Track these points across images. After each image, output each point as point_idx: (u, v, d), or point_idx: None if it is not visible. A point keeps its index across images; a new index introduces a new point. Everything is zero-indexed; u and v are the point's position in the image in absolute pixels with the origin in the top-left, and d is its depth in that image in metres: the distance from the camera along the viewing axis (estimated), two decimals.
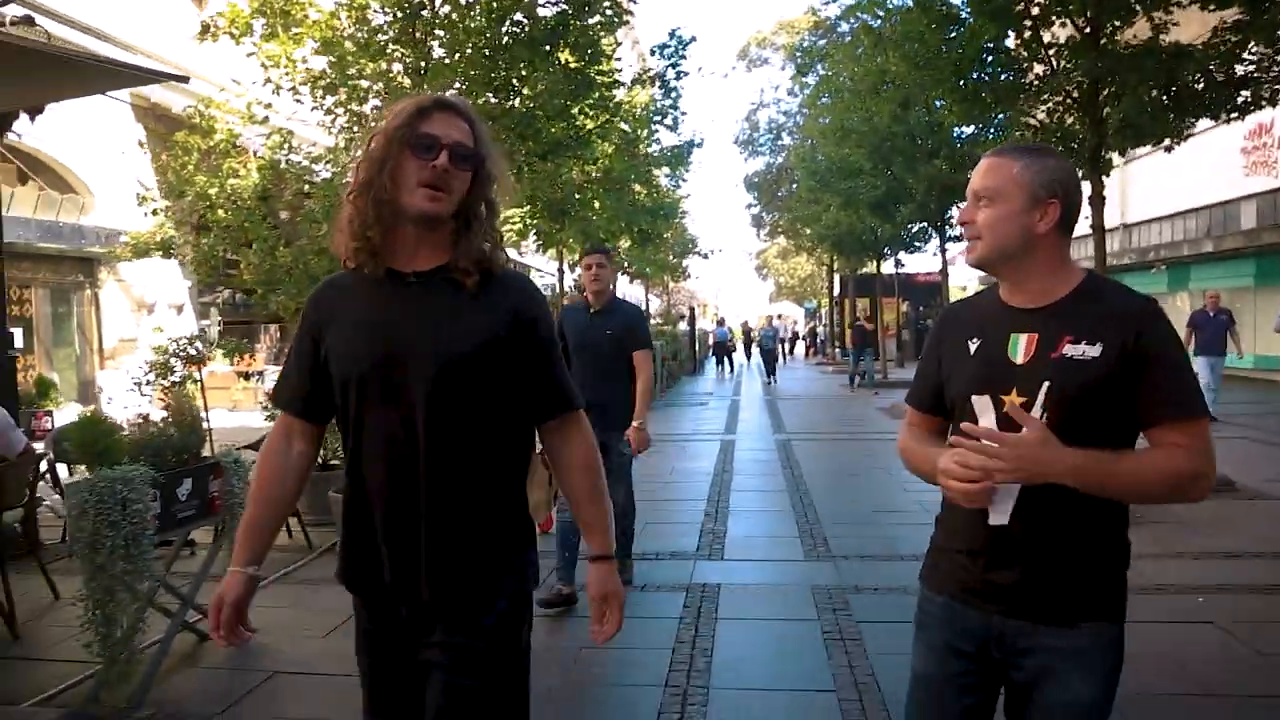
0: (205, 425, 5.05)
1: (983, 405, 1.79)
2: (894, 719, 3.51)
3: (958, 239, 21.11)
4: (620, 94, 10.70)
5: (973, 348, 1.86)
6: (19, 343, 15.37)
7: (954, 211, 17.34)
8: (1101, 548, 1.78)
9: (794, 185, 29.12)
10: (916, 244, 20.69)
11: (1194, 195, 22.99)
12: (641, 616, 4.74)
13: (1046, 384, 1.71)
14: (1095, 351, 1.71)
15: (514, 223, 13.96)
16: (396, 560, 1.81)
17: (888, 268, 24.83)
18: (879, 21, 12.07)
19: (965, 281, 31.11)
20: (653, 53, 10.66)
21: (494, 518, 1.85)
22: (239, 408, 17.84)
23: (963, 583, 1.84)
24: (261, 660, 4.32)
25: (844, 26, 23.22)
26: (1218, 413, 11.80)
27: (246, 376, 18.70)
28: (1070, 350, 1.73)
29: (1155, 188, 24.23)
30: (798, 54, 26.77)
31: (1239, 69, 8.38)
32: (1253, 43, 8.25)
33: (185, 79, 5.49)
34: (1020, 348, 1.78)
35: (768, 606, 5.08)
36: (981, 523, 1.78)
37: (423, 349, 1.78)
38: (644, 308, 32.54)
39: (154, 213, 8.38)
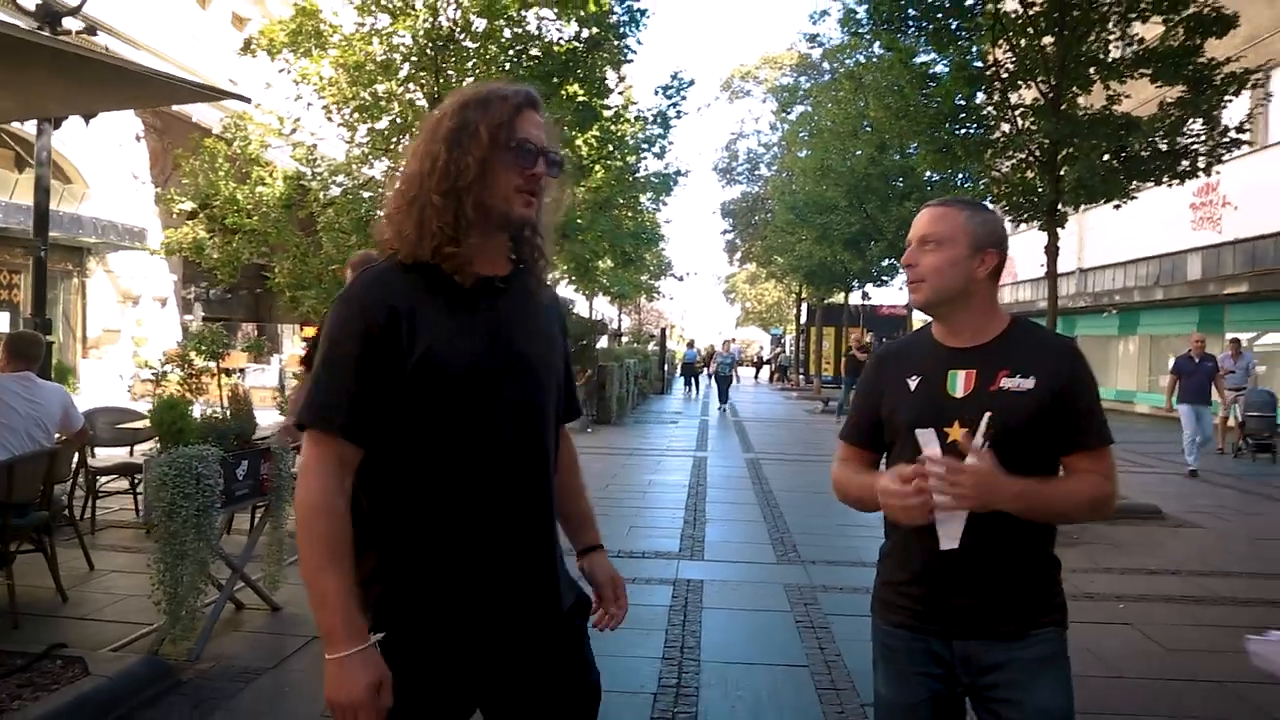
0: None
1: (926, 438, 1.87)
2: (858, 688, 4.15)
3: None
4: (623, 128, 11.36)
5: (913, 384, 1.96)
6: (4, 326, 15.64)
7: None
8: (1038, 561, 1.92)
9: (769, 214, 29.97)
10: (884, 278, 21.56)
11: (1146, 245, 24.11)
12: (635, 604, 5.31)
13: (988, 414, 1.83)
14: (1029, 384, 1.86)
15: None
16: (527, 584, 1.70)
17: (854, 298, 25.73)
18: (860, 59, 12.84)
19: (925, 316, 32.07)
20: (655, 93, 11.38)
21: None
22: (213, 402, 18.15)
23: (919, 613, 1.93)
24: (300, 627, 4.83)
25: (826, 65, 24.17)
26: (1198, 467, 11.63)
27: (228, 373, 18.96)
28: (1007, 383, 1.87)
29: (1111, 235, 25.32)
30: (782, 92, 27.67)
31: (1181, 140, 9.23)
32: (1193, 118, 9.12)
33: (247, 99, 6.05)
34: (959, 383, 1.91)
35: (746, 599, 5.70)
36: (932, 550, 1.86)
37: (541, 358, 1.73)
38: (617, 326, 33.15)
39: (179, 214, 8.86)
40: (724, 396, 23.02)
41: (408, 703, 1.56)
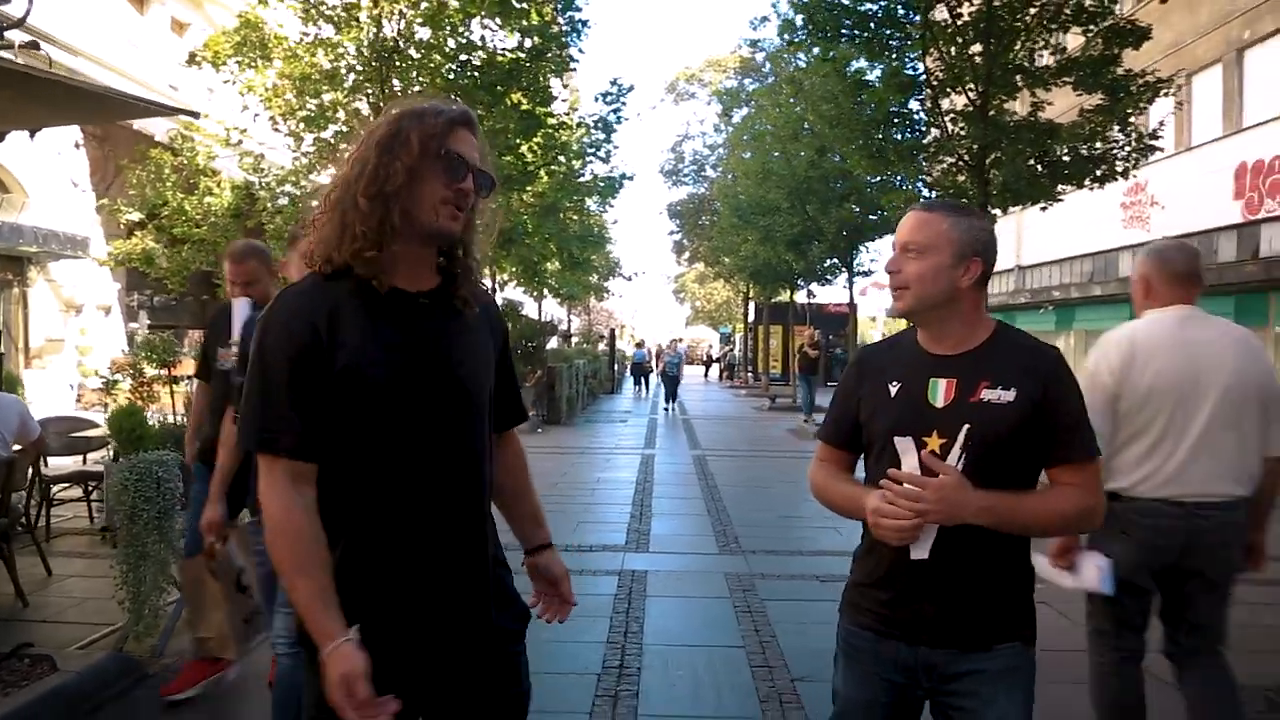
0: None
1: (905, 446, 1.87)
2: (789, 664, 4.46)
3: (865, 274, 22.62)
4: (565, 134, 11.63)
5: (893, 390, 1.94)
6: None
7: (862, 250, 18.74)
8: (1009, 575, 1.91)
9: (715, 215, 30.43)
10: (828, 278, 22.08)
11: (1082, 243, 24.96)
12: (581, 594, 5.57)
13: (966, 426, 1.82)
14: (1010, 396, 1.83)
15: None
16: (454, 595, 1.71)
17: (801, 297, 26.27)
18: (800, 63, 13.25)
19: (874, 312, 32.82)
20: (596, 99, 11.68)
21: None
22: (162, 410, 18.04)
23: (886, 618, 1.93)
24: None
25: (769, 66, 24.62)
26: None
27: (177, 381, 18.84)
28: (987, 395, 1.84)
29: (1048, 234, 26.13)
30: (725, 96, 28.11)
31: (1099, 146, 9.76)
32: (1110, 125, 9.65)
33: (196, 114, 6.19)
34: (940, 392, 1.88)
35: (688, 587, 6.01)
36: (902, 559, 1.85)
37: (467, 372, 1.74)
38: (566, 327, 33.35)
39: (125, 224, 8.92)
40: (671, 395, 22.30)
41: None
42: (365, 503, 1.64)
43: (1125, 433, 2.97)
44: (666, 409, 21.46)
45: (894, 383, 1.94)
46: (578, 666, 4.41)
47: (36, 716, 3.51)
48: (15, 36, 6.88)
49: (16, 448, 5.47)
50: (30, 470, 6.35)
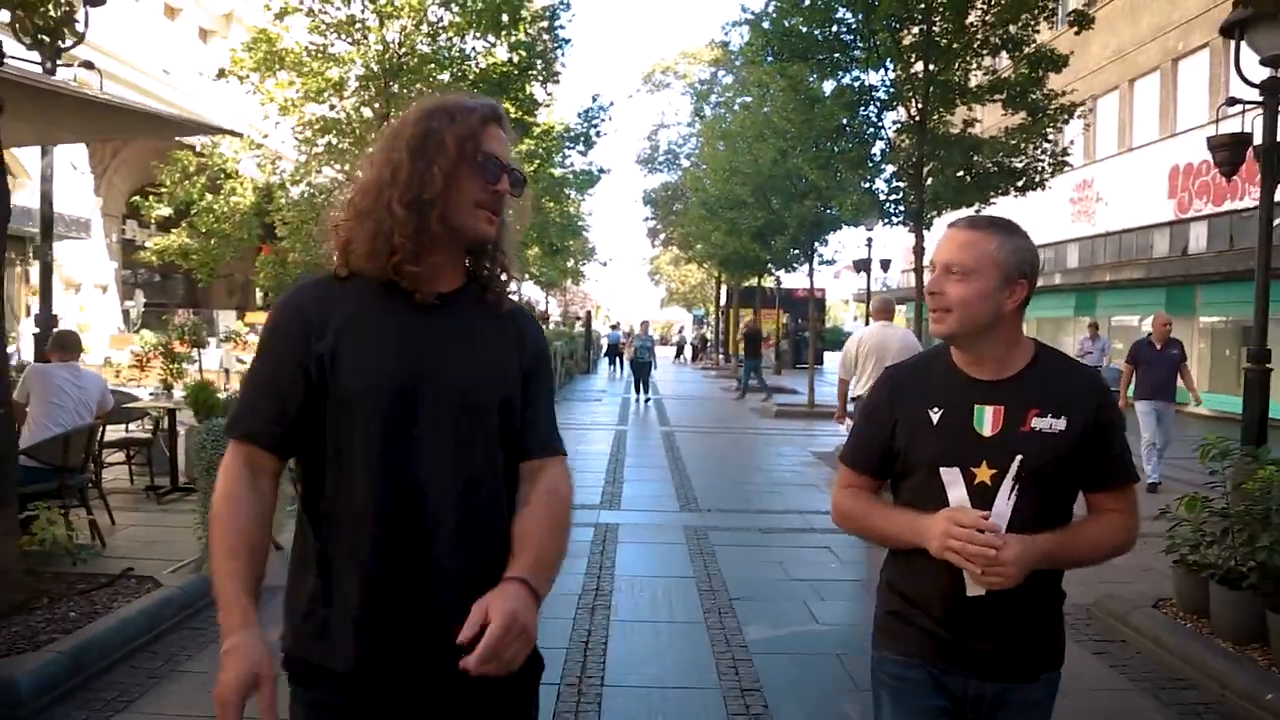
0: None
1: (952, 477, 1.80)
2: (729, 588, 5.69)
3: (829, 263, 23.90)
4: (550, 143, 12.76)
5: (935, 418, 1.85)
6: None
7: (823, 242, 19.97)
8: (1052, 604, 1.90)
9: (689, 202, 31.59)
10: (793, 265, 23.36)
11: (1033, 234, 25.96)
12: None
13: (1019, 458, 1.76)
14: (1061, 425, 1.78)
15: None
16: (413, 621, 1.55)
17: (769, 282, 27.54)
18: (768, 62, 14.39)
19: (845, 295, 33.99)
20: (578, 116, 12.80)
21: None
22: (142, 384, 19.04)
23: (940, 651, 1.87)
24: None
25: (740, 60, 25.69)
26: (1160, 475, 9.15)
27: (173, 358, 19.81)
28: (1038, 424, 1.78)
29: None
30: (698, 84, 29.15)
31: (1018, 161, 11.06)
32: (1030, 141, 10.95)
33: (239, 134, 7.23)
34: (987, 420, 1.80)
35: (652, 536, 7.24)
36: (955, 594, 1.80)
37: (475, 378, 1.63)
38: (544, 310, 34.42)
39: (156, 219, 9.97)
40: (643, 386, 18.99)
41: None
42: (343, 516, 1.54)
43: (858, 371, 7.12)
44: (638, 399, 18.78)
45: (935, 409, 1.85)
46: (563, 590, 5.61)
47: (158, 614, 4.67)
48: (78, 54, 7.89)
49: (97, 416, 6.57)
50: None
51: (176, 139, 9.13)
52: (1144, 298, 21.25)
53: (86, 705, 3.79)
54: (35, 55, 6.72)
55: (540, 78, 11.34)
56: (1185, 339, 11.67)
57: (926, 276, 1.94)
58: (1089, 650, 4.82)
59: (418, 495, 1.55)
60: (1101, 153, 23.83)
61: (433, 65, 10.49)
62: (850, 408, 7.25)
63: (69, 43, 6.15)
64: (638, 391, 19.18)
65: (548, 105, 12.36)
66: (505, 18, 10.72)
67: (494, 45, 10.94)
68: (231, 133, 6.75)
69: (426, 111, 1.62)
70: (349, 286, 1.59)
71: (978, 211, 12.08)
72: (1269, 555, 4.41)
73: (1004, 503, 1.76)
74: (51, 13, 5.06)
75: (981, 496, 1.77)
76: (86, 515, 6.35)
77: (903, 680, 1.92)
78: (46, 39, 5.15)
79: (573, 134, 13.17)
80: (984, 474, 1.78)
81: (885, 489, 2.03)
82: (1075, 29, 10.69)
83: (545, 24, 10.96)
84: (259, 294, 24.34)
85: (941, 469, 1.81)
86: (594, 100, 12.33)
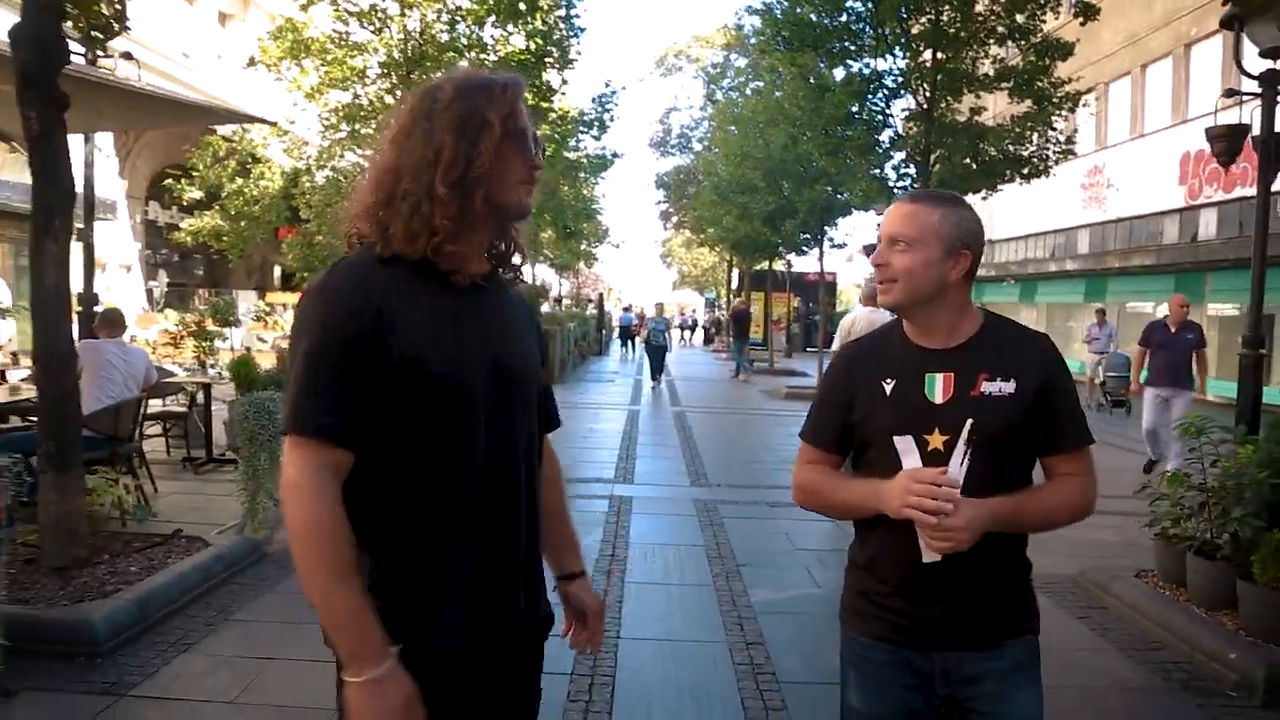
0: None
1: (905, 446, 1.82)
2: (736, 555, 6.06)
3: (840, 246, 24.14)
4: (566, 127, 13.09)
5: (888, 388, 1.87)
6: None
7: (833, 226, 20.23)
8: (1012, 570, 1.90)
9: (701, 184, 31.83)
10: (803, 249, 23.64)
11: (1044, 220, 26.51)
12: (579, 510, 7.22)
13: (970, 421, 1.78)
14: (1010, 388, 1.80)
15: None
16: (499, 599, 1.61)
17: (780, 266, 27.81)
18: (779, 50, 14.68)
19: (858, 279, 34.16)
20: (591, 102, 13.12)
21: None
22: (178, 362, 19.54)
23: (899, 626, 1.88)
24: None
25: (754, 41, 25.86)
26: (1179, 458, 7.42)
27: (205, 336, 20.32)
28: (988, 387, 1.81)
29: (1015, 210, 27.65)
30: (710, 67, 29.32)
31: (1024, 148, 11.31)
32: (1035, 129, 11.19)
33: (273, 123, 7.58)
34: (938, 388, 1.83)
35: (663, 508, 7.62)
36: (912, 563, 1.81)
37: (523, 365, 1.66)
38: (558, 291, 34.79)
39: (188, 200, 10.34)
40: (658, 370, 18.85)
41: None
42: (412, 506, 1.51)
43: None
44: (654, 385, 18.50)
45: (887, 380, 1.88)
46: None
47: (209, 570, 5.07)
48: (115, 45, 8.25)
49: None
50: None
51: (207, 125, 9.54)
52: (1154, 284, 21.43)
53: (152, 646, 4.19)
54: (78, 46, 7.10)
55: (557, 65, 11.65)
56: None
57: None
58: (1072, 615, 5.16)
59: (513, 478, 1.61)
60: (1113, 139, 23.92)
61: (452, 53, 10.79)
62: None
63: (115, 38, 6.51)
64: (654, 376, 18.87)
65: (561, 93, 12.60)
66: (523, 6, 11.01)
67: (511, 33, 11.22)
68: (265, 121, 7.09)
69: (462, 89, 1.57)
70: (394, 270, 1.52)
71: (984, 198, 12.42)
72: (1239, 526, 4.74)
73: (957, 468, 1.77)
74: (104, 11, 5.38)
75: (935, 463, 1.79)
76: (134, 482, 6.75)
77: (867, 661, 1.95)
78: (100, 35, 5.47)
79: (586, 119, 13.47)
80: (936, 441, 1.81)
81: (846, 467, 2.04)
82: (1081, 20, 10.91)
83: (561, 12, 11.26)
84: (277, 274, 24.74)
85: (895, 438, 1.84)
86: (606, 86, 12.67)
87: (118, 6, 5.66)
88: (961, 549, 1.72)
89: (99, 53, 7.54)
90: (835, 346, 7.87)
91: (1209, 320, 19.90)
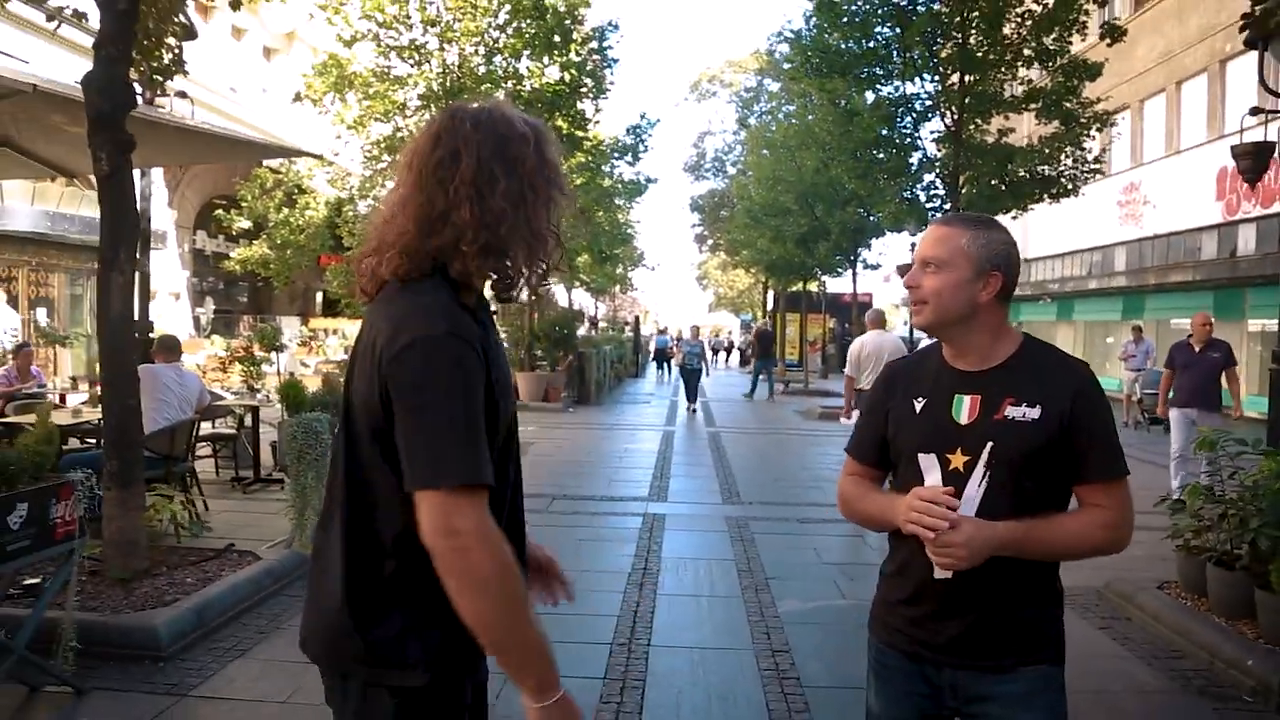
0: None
1: (928, 463, 1.86)
2: (766, 570, 6.21)
3: (874, 267, 24.23)
4: (600, 158, 13.43)
5: (919, 406, 1.92)
6: (43, 320, 17.43)
7: (866, 248, 20.34)
8: (1034, 596, 1.88)
9: (735, 208, 32.09)
10: (836, 270, 23.76)
11: (1081, 238, 26.37)
12: (614, 528, 7.43)
13: (990, 444, 1.80)
14: (1035, 414, 1.80)
15: None
16: None
17: (814, 287, 27.94)
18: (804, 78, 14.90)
19: (895, 300, 34.11)
20: (627, 132, 13.45)
21: None
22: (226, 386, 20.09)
23: (911, 637, 1.93)
24: None
25: (786, 65, 26.18)
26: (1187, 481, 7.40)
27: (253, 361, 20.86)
28: (1011, 412, 1.81)
29: (1051, 228, 27.55)
30: (744, 91, 29.63)
31: (1053, 169, 11.40)
32: (1064, 149, 11.29)
33: (320, 157, 7.96)
34: (964, 409, 1.86)
35: (696, 525, 7.79)
36: (925, 578, 1.84)
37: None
38: (594, 315, 35.14)
39: (237, 230, 10.77)
40: (693, 394, 18.26)
41: None
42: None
43: (862, 371, 7.82)
44: (690, 408, 18.01)
45: (919, 398, 1.93)
46: (613, 568, 6.20)
47: (260, 582, 5.34)
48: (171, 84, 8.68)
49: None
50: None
51: (257, 159, 9.98)
52: (1192, 300, 21.22)
53: (210, 652, 4.46)
54: (137, 87, 7.52)
55: (591, 94, 12.00)
56: (1234, 342, 10.87)
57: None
58: (1095, 626, 5.26)
59: (520, 508, 1.71)
60: (1149, 155, 23.79)
61: (489, 85, 11.17)
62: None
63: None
64: (690, 400, 18.38)
65: (595, 120, 12.94)
66: (557, 38, 11.37)
67: (547, 66, 11.58)
68: (313, 155, 7.44)
69: (535, 138, 1.59)
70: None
71: (1014, 218, 12.52)
72: (1257, 536, 4.82)
73: (974, 488, 1.80)
74: (164, 58, 5.75)
75: (955, 482, 1.81)
76: (187, 499, 7.08)
77: (885, 666, 2.01)
78: (160, 78, 5.84)
79: (621, 146, 13.83)
80: (958, 460, 1.83)
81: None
82: (1108, 41, 11.01)
83: (595, 44, 11.62)
84: (319, 300, 25.26)
85: (920, 455, 1.88)
86: (642, 118, 13.01)
87: (176, 52, 6.02)
88: (961, 566, 1.74)
89: (158, 93, 7.96)
90: (847, 371, 8.06)
91: (1250, 336, 19.68)
